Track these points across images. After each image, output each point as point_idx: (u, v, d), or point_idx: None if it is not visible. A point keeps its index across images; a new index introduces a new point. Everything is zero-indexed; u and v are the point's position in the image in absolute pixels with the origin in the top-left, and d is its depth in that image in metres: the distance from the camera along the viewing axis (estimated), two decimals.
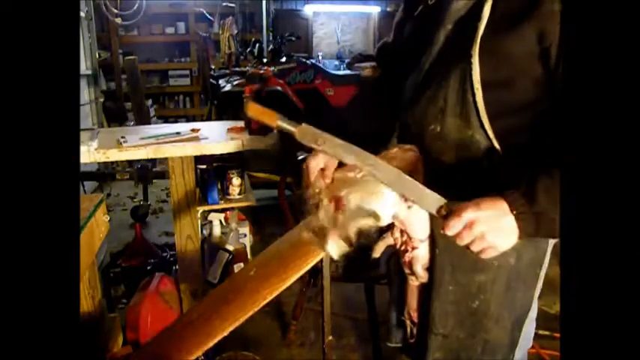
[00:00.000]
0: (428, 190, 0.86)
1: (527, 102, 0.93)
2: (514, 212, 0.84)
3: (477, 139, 0.96)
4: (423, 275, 1.02)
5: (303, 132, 0.85)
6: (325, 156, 0.98)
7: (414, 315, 1.09)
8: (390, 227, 1.01)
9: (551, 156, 0.84)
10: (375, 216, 0.92)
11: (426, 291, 1.04)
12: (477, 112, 0.94)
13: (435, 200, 0.86)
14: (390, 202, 0.92)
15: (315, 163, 1.00)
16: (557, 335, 2.07)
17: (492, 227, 0.83)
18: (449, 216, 0.84)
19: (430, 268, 1.00)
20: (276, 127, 0.84)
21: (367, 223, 0.91)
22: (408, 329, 1.12)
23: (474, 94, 0.93)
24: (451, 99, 0.97)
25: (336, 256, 0.92)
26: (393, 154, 1.01)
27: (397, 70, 1.14)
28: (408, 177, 0.87)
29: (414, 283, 1.06)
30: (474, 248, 0.85)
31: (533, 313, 1.07)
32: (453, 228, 0.83)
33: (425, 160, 1.01)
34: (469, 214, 0.83)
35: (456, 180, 0.99)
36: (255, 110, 0.84)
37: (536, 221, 0.84)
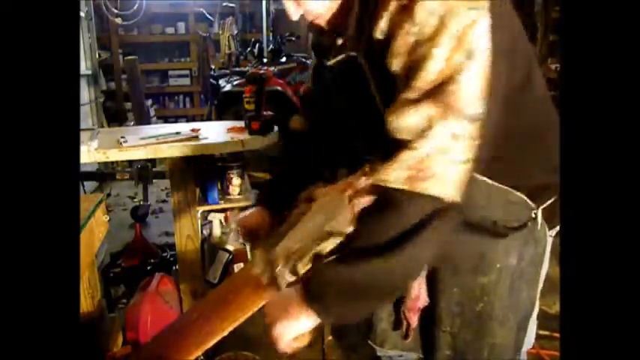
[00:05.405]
0: None
1: None
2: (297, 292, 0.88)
3: None
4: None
5: None
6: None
7: (409, 314, 1.09)
8: None
9: None
10: (337, 234, 0.87)
11: (431, 292, 1.04)
12: None
13: None
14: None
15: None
16: (557, 335, 2.06)
17: (273, 301, 0.91)
18: None
19: (433, 269, 1.00)
20: None
21: (327, 245, 0.87)
22: (404, 328, 1.12)
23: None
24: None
25: (283, 287, 0.91)
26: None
27: (325, 117, 1.14)
28: None
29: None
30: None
31: (535, 313, 1.07)
32: None
33: None
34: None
35: None
36: None
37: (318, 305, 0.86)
